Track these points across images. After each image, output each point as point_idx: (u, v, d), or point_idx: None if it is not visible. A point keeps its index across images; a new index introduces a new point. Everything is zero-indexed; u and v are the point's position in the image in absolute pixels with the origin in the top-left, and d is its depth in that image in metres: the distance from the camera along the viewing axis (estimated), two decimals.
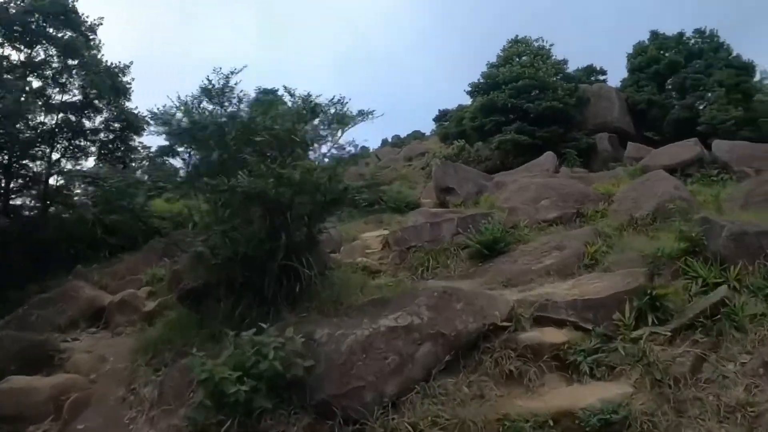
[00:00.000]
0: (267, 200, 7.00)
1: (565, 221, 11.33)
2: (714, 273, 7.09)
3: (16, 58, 21.51)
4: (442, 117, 47.84)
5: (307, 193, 7.23)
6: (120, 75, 22.92)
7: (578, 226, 10.98)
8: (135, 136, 24.23)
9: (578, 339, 6.07)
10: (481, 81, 30.38)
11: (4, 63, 21.05)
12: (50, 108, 21.48)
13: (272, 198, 6.90)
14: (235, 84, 8.94)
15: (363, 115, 8.49)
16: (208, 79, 8.70)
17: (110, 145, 23.70)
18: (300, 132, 7.92)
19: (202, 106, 8.68)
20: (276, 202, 7.02)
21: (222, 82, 8.70)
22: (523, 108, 27.25)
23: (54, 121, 21.67)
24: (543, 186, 12.78)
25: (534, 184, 13.03)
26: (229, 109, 8.83)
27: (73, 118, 22.62)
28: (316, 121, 8.70)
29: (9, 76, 20.55)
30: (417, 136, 59.40)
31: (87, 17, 22.93)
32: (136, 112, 23.22)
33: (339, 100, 8.65)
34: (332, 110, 8.59)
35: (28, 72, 21.74)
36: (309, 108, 8.38)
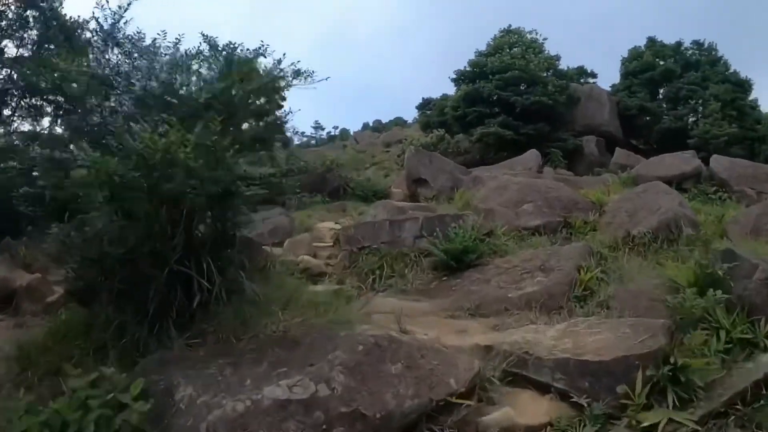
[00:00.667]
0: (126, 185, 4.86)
1: (549, 231, 9.51)
2: (740, 326, 5.32)
3: None
4: (425, 105, 46.25)
5: (177, 180, 4.80)
6: (78, 31, 21.22)
7: (565, 239, 9.26)
8: None
9: (566, 418, 4.12)
10: (468, 69, 28.55)
11: None
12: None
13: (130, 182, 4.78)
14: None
15: (300, 75, 6.25)
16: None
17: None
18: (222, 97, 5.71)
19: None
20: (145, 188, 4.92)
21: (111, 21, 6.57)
22: (510, 101, 25.55)
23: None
24: (526, 186, 10.90)
25: (516, 184, 11.13)
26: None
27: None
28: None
29: None
30: (399, 122, 58.47)
31: None
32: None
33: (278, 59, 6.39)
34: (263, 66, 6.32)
35: None
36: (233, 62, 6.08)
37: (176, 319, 4.99)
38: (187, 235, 5.12)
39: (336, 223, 14.08)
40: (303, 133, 67.14)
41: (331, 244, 10.08)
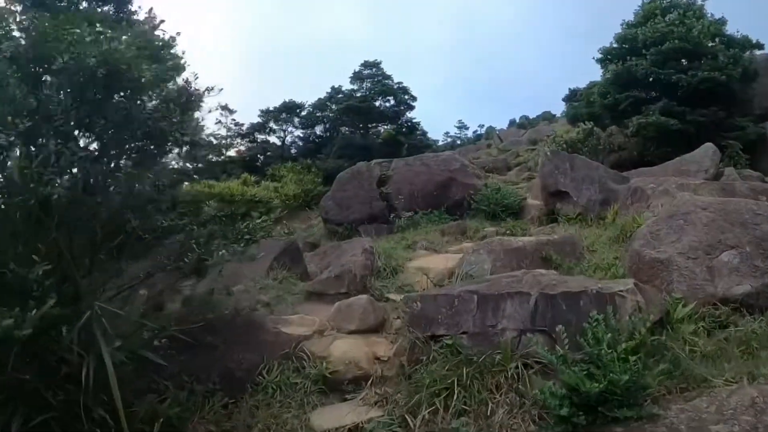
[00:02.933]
0: None
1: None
2: None
3: None
4: (572, 96, 41.62)
5: None
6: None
7: None
8: None
9: None
10: (615, 45, 23.31)
11: None
12: None
13: None
14: None
15: None
16: None
17: None
18: None
19: None
20: None
21: None
22: (671, 81, 19.97)
23: None
24: (720, 213, 6.62)
25: (703, 208, 6.95)
26: None
27: None
28: None
29: None
30: (547, 117, 53.84)
31: None
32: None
33: None
34: None
35: None
36: None
37: None
38: None
39: (446, 252, 10.89)
40: (447, 133, 65.35)
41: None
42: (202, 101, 19.82)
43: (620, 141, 22.10)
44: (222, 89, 5.85)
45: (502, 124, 64.52)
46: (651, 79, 20.79)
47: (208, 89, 5.81)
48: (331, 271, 8.27)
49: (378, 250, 9.31)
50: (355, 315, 6.54)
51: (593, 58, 24.59)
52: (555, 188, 12.21)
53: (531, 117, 58.56)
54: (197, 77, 5.80)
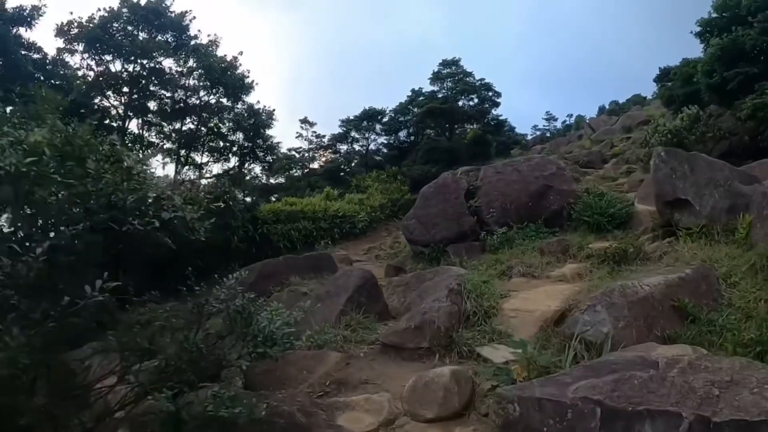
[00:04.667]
0: None
1: None
2: None
3: None
4: (664, 76, 37.98)
5: None
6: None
7: None
8: None
9: None
10: (715, 16, 20.25)
11: None
12: None
13: None
14: None
15: None
16: None
17: None
18: None
19: None
20: None
21: None
22: None
23: None
24: None
25: None
26: None
27: None
28: None
29: None
30: (637, 100, 51.15)
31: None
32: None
33: None
34: None
35: None
36: None
37: None
38: None
39: (546, 277, 9.40)
40: (535, 126, 62.97)
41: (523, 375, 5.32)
42: (273, 118, 19.19)
43: (729, 126, 19.33)
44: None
45: (591, 112, 61.48)
46: (760, 51, 17.93)
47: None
48: (412, 319, 6.92)
49: (468, 287, 7.87)
50: (434, 397, 5.14)
51: (691, 32, 21.76)
52: (673, 196, 10.27)
53: (621, 102, 55.25)
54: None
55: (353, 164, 36.62)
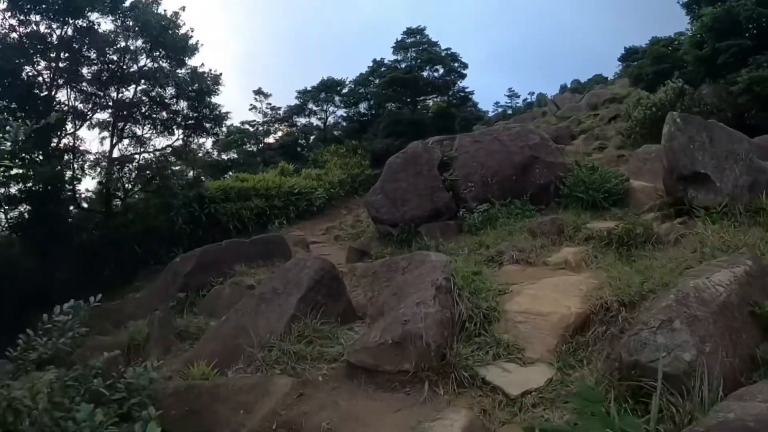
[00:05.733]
0: None
1: None
2: None
3: None
4: (629, 56, 38.74)
5: None
6: None
7: None
8: None
9: None
10: None
11: None
12: None
13: None
14: None
15: None
16: None
17: None
18: None
19: None
20: None
21: None
22: None
23: None
24: None
25: None
26: None
27: None
28: None
29: None
30: (599, 80, 51.67)
31: None
32: None
33: None
34: None
35: None
36: None
37: None
38: None
39: (544, 263, 7.73)
40: (497, 103, 61.86)
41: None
42: (219, 83, 16.69)
43: (714, 102, 18.02)
44: None
45: (552, 90, 60.70)
46: (755, 23, 16.68)
47: None
48: (388, 331, 4.96)
49: (457, 281, 6.01)
50: None
51: (678, 2, 20.46)
52: (691, 169, 8.54)
53: (582, 81, 55.06)
54: None
55: (311, 138, 34.38)
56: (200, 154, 24.55)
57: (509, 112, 55.73)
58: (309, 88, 33.48)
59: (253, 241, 11.16)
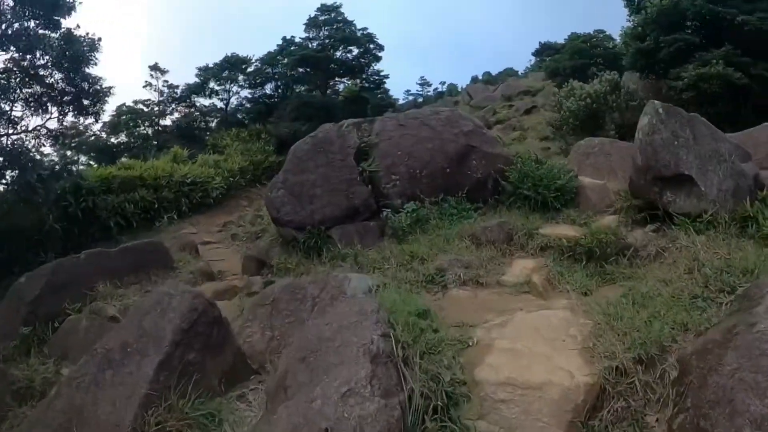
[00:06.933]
0: None
1: None
2: None
3: None
4: (543, 51, 39.21)
5: None
6: None
7: None
8: None
9: None
10: None
11: None
12: None
13: None
14: None
15: None
16: None
17: None
18: None
19: None
20: None
21: None
22: (734, 22, 15.16)
23: None
24: None
25: None
26: None
27: None
28: None
29: None
30: (510, 73, 51.14)
31: None
32: None
33: None
34: None
35: None
36: None
37: None
38: None
39: (498, 283, 6.11)
40: (408, 91, 60.28)
41: None
42: (97, 49, 13.49)
43: (649, 96, 17.13)
44: None
45: (463, 81, 60.08)
46: (702, 19, 16.05)
47: None
48: None
49: (398, 331, 3.91)
50: None
51: None
52: (674, 170, 6.83)
53: (494, 74, 54.44)
54: None
55: (214, 121, 31.12)
56: (89, 137, 21.24)
57: (420, 100, 54.26)
58: (211, 65, 30.21)
59: (122, 250, 8.74)
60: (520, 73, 49.63)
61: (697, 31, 16.25)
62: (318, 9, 28.54)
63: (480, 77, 55.78)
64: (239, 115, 30.12)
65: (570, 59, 27.13)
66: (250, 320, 5.60)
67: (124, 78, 58.37)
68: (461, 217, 8.68)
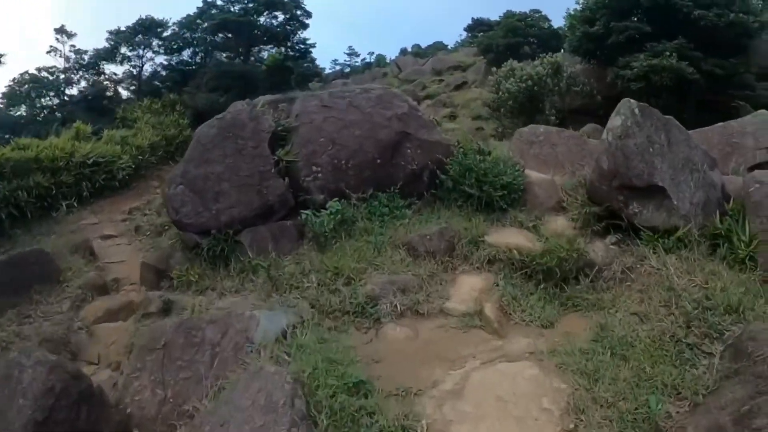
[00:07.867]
0: None
1: None
2: None
3: None
4: (476, 27, 38.30)
5: None
6: None
7: None
8: None
9: None
10: None
11: None
12: None
13: None
14: None
15: None
16: None
17: None
18: None
19: None
20: None
21: None
22: (690, 16, 14.91)
23: None
24: None
25: None
26: None
27: None
28: None
29: None
30: (440, 47, 50.53)
31: None
32: None
33: None
34: None
35: None
36: None
37: None
38: None
39: (443, 311, 5.61)
40: (335, 61, 58.46)
41: None
42: None
43: (592, 82, 16.64)
44: None
45: (392, 53, 59.02)
46: (655, 9, 15.65)
47: None
48: None
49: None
50: None
51: None
52: (648, 181, 5.87)
53: (423, 46, 53.54)
54: None
55: (129, 89, 28.51)
56: None
57: (347, 70, 52.63)
58: (123, 29, 27.47)
59: None
60: (450, 47, 49.12)
61: (650, 20, 15.76)
62: None
63: (409, 49, 54.83)
64: (155, 83, 27.72)
65: (504, 37, 26.80)
66: (138, 369, 4.35)
67: (30, 44, 53.46)
68: (393, 217, 7.43)
